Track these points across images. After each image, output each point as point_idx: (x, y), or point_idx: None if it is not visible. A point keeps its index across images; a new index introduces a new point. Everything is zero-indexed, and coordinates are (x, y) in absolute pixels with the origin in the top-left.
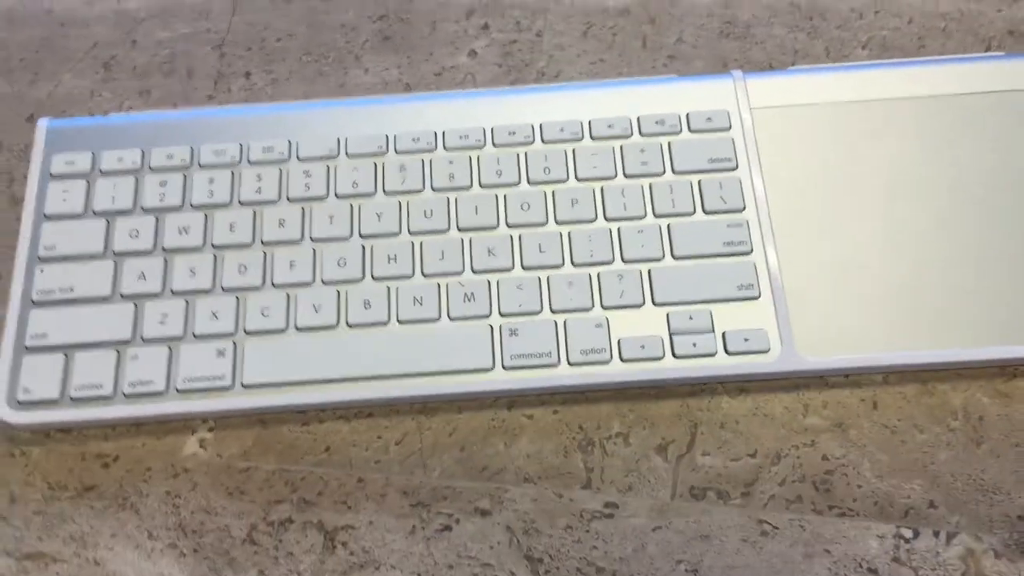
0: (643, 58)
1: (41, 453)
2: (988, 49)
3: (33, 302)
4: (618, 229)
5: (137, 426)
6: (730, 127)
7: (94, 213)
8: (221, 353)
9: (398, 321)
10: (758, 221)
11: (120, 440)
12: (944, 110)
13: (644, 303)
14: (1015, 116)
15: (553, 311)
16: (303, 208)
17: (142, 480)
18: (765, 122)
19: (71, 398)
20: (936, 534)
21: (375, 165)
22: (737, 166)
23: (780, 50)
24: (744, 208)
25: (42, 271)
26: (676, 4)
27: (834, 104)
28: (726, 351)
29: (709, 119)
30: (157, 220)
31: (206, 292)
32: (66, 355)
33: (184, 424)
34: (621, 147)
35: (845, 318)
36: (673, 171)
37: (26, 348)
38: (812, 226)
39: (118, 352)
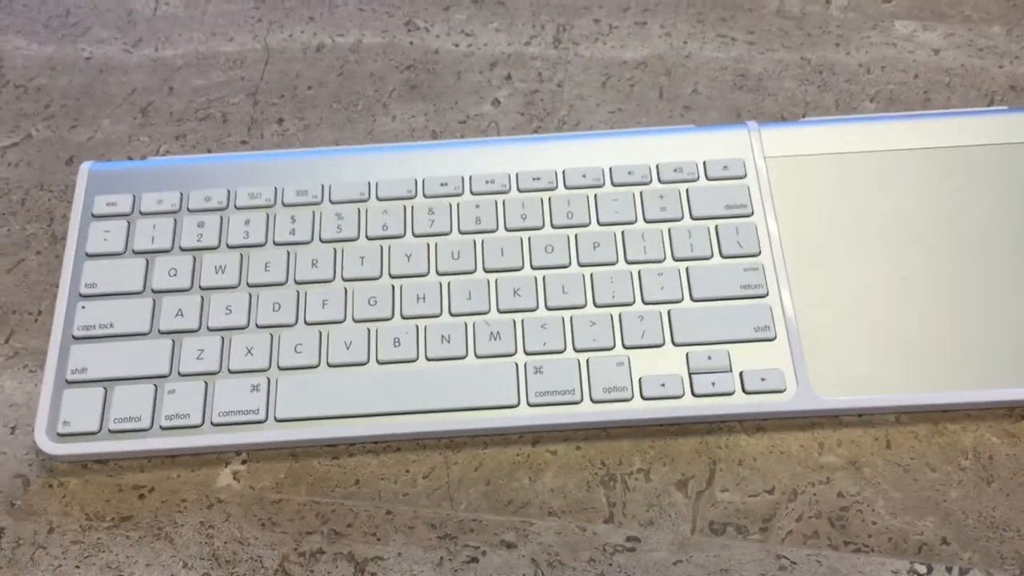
0: (660, 108)
1: (79, 484)
2: (991, 103)
3: (74, 337)
4: (639, 272)
5: (172, 458)
6: (745, 175)
7: (134, 252)
8: (255, 388)
9: (426, 358)
10: (773, 265)
11: (155, 472)
12: (949, 161)
13: (664, 343)
14: (1017, 168)
15: (576, 350)
16: (335, 249)
17: (177, 511)
18: (779, 170)
19: (110, 430)
20: (949, 570)
21: (404, 208)
22: (752, 212)
23: (791, 102)
24: (760, 253)
25: (83, 307)
26: (691, 57)
27: (844, 154)
28: (743, 390)
29: (725, 167)
30: (195, 259)
31: (241, 329)
32: (105, 389)
33: (218, 457)
34: (641, 193)
35: (858, 359)
36: (691, 216)
37: (67, 382)
38: (825, 270)
39: (156, 386)
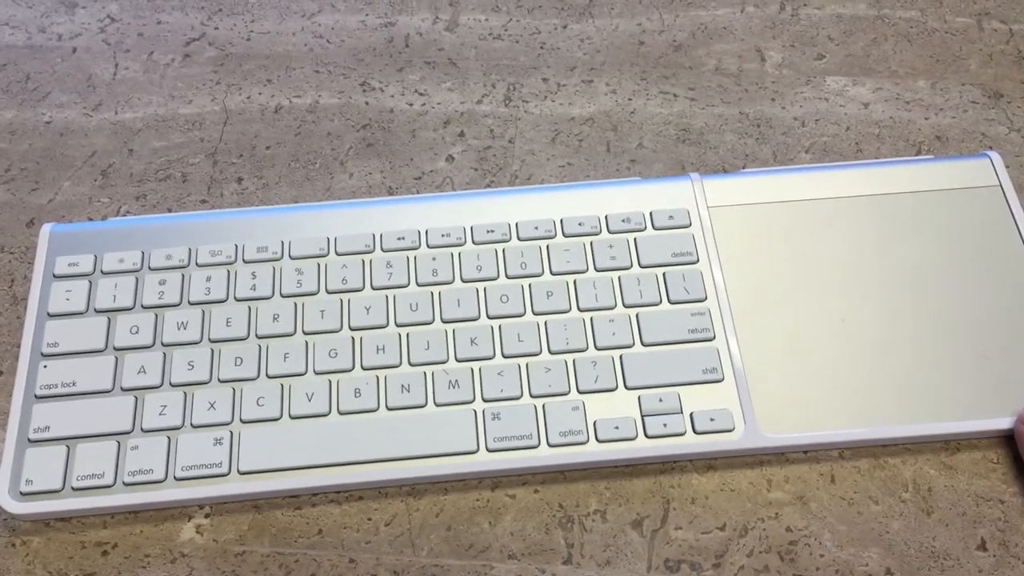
0: (608, 161)
1: (41, 542)
2: (918, 153)
3: (36, 396)
4: (591, 319)
5: (135, 514)
6: (690, 224)
7: (96, 311)
8: (218, 441)
9: (387, 408)
10: (719, 310)
11: (118, 528)
12: (881, 208)
13: (617, 387)
14: (943, 213)
15: (533, 396)
16: (296, 303)
17: (140, 566)
18: (721, 219)
19: (73, 488)
20: None
21: (363, 262)
22: (698, 259)
23: (732, 154)
24: (706, 298)
25: (45, 367)
26: (636, 113)
27: (783, 203)
28: (694, 431)
29: (671, 217)
30: (156, 317)
31: (204, 384)
32: (68, 447)
33: (181, 511)
34: (591, 243)
35: (802, 398)
36: (640, 265)
37: (29, 441)
38: (769, 313)
39: (119, 443)
